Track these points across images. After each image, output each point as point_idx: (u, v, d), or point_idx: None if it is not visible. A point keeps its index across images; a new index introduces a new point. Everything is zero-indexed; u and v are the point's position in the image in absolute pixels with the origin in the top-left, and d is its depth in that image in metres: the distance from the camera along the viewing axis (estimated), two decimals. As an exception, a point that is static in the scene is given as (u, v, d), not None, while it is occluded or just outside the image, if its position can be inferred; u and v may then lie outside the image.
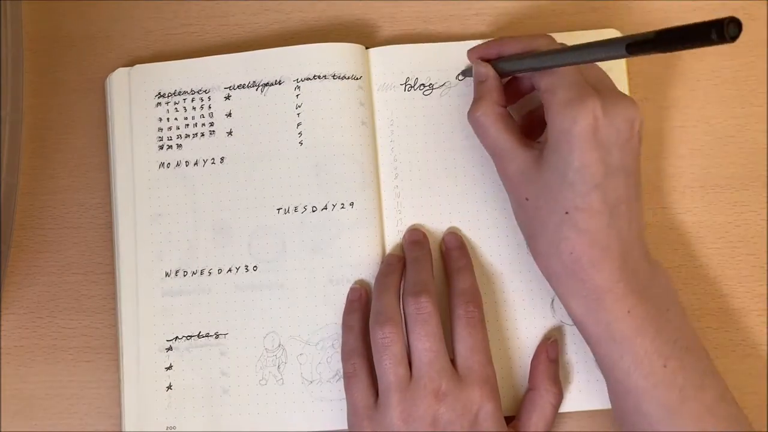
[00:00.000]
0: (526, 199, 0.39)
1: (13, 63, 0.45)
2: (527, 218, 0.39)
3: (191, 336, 0.44)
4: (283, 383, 0.43)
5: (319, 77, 0.45)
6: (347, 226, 0.44)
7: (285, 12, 0.48)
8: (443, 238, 0.44)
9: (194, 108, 0.46)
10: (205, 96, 0.46)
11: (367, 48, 0.46)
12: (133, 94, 0.46)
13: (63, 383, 0.45)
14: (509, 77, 0.42)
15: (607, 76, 0.39)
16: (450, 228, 0.44)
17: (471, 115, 0.41)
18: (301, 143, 0.45)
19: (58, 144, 0.47)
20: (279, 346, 0.44)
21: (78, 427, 0.45)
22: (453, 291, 0.42)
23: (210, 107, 0.46)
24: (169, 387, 0.44)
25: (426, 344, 0.39)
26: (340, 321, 0.43)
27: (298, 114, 0.45)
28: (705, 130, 0.46)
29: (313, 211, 0.44)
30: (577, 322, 0.38)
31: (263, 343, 0.44)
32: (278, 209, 0.45)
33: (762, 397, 0.44)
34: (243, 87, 0.45)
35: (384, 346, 0.39)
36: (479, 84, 0.41)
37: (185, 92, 0.46)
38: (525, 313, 0.44)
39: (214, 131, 0.46)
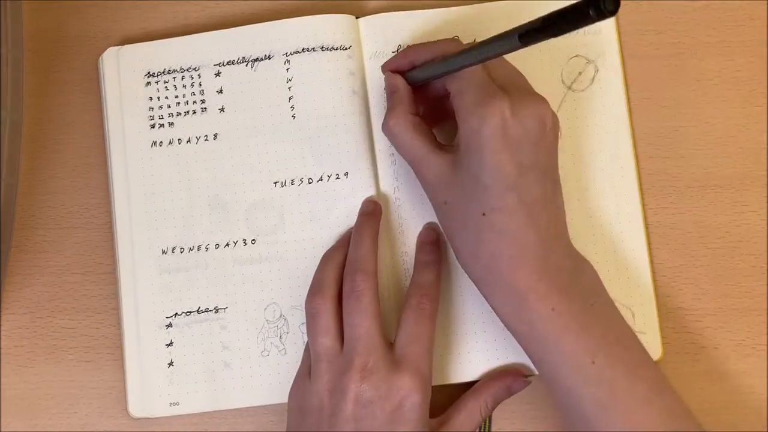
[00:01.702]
0: (445, 203, 0.39)
1: (13, 63, 0.45)
2: (447, 221, 0.39)
3: (191, 312, 0.44)
4: (285, 353, 0.44)
5: (307, 50, 0.45)
6: (343, 195, 0.44)
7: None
8: (420, 231, 0.44)
9: (184, 86, 0.46)
10: (195, 74, 0.46)
11: (357, 18, 0.46)
12: (123, 74, 0.46)
13: (63, 383, 0.45)
14: (422, 84, 0.42)
15: (521, 75, 0.40)
16: (429, 223, 0.44)
17: (384, 125, 0.41)
18: (293, 117, 0.45)
19: (58, 144, 0.47)
20: (280, 317, 0.44)
21: (78, 427, 0.45)
22: (413, 282, 0.42)
23: (201, 84, 0.46)
24: (171, 363, 0.44)
25: (356, 319, 0.39)
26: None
27: (289, 88, 0.45)
28: (705, 130, 0.46)
29: (310, 183, 0.45)
30: (504, 322, 0.38)
31: (264, 315, 0.44)
32: (275, 183, 0.45)
33: (762, 397, 0.44)
34: (233, 63, 0.46)
35: (311, 316, 0.40)
36: (391, 95, 0.42)
37: (174, 71, 0.46)
38: None
39: (206, 108, 0.46)
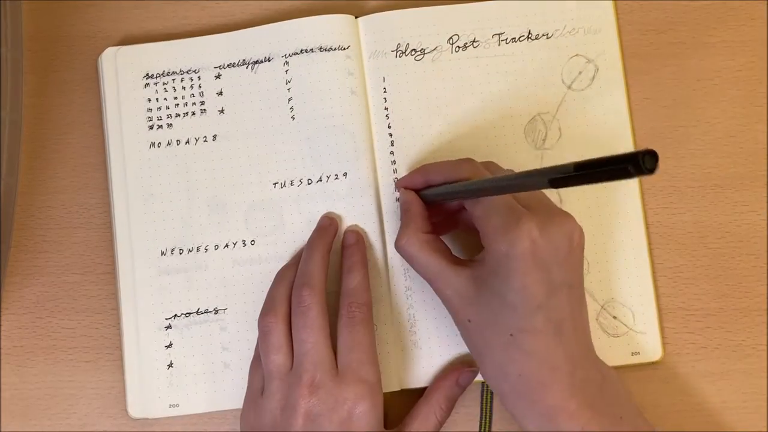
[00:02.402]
0: (469, 321, 0.38)
1: (13, 63, 0.45)
2: (472, 340, 0.39)
3: (190, 313, 0.44)
4: None
5: (306, 51, 0.45)
6: (342, 196, 0.44)
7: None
8: (343, 236, 0.44)
9: (184, 88, 0.46)
10: (194, 75, 0.46)
11: (356, 17, 0.46)
12: (121, 75, 0.46)
13: (63, 383, 0.45)
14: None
15: (542, 192, 0.39)
16: (351, 226, 0.44)
17: (396, 244, 0.41)
18: (293, 118, 0.45)
19: (58, 144, 0.47)
20: None
21: (78, 427, 0.45)
22: (342, 289, 0.42)
23: (200, 86, 0.46)
24: (170, 365, 0.44)
25: (303, 335, 0.39)
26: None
27: (289, 89, 0.45)
28: (705, 130, 0.46)
29: (309, 184, 0.45)
30: None
31: None
32: (274, 184, 0.45)
33: (762, 397, 0.44)
34: (233, 66, 0.46)
35: (263, 334, 0.40)
36: (404, 212, 0.42)
37: (174, 72, 0.46)
38: None
39: (205, 110, 0.46)
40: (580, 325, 0.38)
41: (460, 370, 0.42)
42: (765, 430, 0.43)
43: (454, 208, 0.42)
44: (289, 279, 0.42)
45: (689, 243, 0.45)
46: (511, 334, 0.36)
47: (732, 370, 0.44)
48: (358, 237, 0.44)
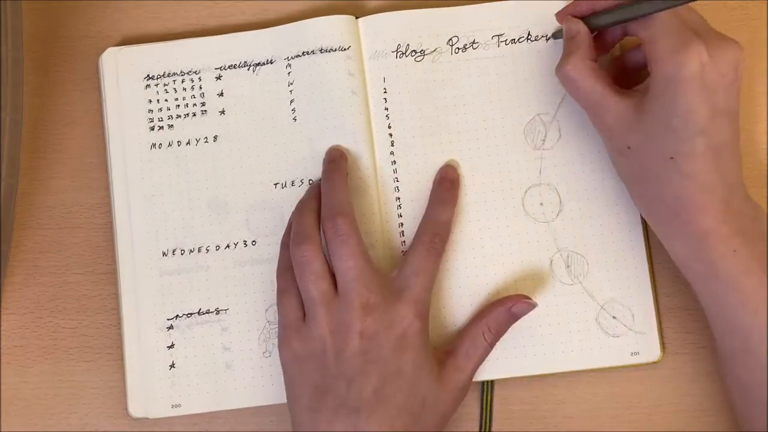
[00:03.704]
0: (628, 148, 0.39)
1: (13, 63, 0.45)
2: (629, 166, 0.40)
3: (192, 314, 0.45)
4: None
5: (307, 53, 0.45)
6: None
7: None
8: (441, 168, 0.44)
9: (185, 89, 0.46)
10: (195, 77, 0.46)
11: (357, 18, 0.46)
12: (121, 76, 0.46)
13: (63, 383, 0.45)
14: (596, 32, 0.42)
15: (704, 19, 0.40)
16: (451, 160, 0.45)
17: (561, 69, 0.41)
18: (294, 119, 0.45)
19: (58, 144, 0.47)
20: None
21: (78, 427, 0.45)
22: (426, 217, 0.43)
23: (201, 87, 0.46)
24: (172, 365, 0.44)
25: (349, 263, 0.39)
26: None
27: (291, 91, 0.46)
28: (705, 130, 0.46)
29: (310, 184, 0.45)
30: (679, 264, 0.39)
31: (265, 315, 0.44)
32: (275, 184, 0.45)
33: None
34: (234, 67, 0.46)
35: (303, 264, 0.40)
36: (569, 40, 0.42)
37: (174, 74, 0.46)
38: (524, 275, 0.44)
39: (206, 111, 0.46)
40: (737, 156, 0.38)
41: (515, 297, 0.42)
42: (765, 430, 0.43)
43: (613, 39, 0.43)
44: (314, 209, 0.42)
45: (689, 243, 0.45)
46: (672, 158, 0.37)
47: (732, 370, 0.44)
48: (456, 176, 0.44)
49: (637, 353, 0.43)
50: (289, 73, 0.46)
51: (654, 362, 0.43)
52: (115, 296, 0.45)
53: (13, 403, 0.45)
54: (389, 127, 0.45)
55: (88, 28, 0.48)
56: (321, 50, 0.45)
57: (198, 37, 0.47)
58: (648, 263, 0.44)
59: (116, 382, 0.45)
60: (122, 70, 0.46)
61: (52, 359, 0.45)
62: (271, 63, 0.46)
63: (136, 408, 0.44)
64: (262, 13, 0.48)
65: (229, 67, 0.46)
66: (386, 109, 0.45)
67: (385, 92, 0.45)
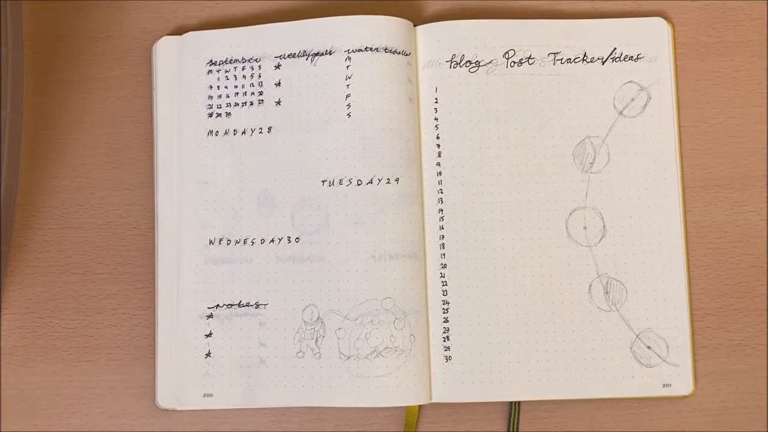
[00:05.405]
0: None
1: (13, 63, 0.45)
2: None
3: (232, 305, 0.44)
4: (320, 357, 0.43)
5: (371, 49, 0.45)
6: (392, 201, 0.44)
7: None
8: None
9: (244, 76, 0.46)
10: (255, 65, 0.46)
11: (415, 25, 0.46)
12: (184, 61, 0.46)
13: (63, 383, 0.45)
14: None
15: None
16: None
17: None
18: (349, 115, 0.45)
19: (58, 144, 0.47)
20: (318, 319, 0.44)
21: (78, 427, 0.45)
22: None
23: (260, 76, 0.46)
24: (208, 354, 0.44)
25: None
26: (380, 297, 0.43)
27: (348, 85, 0.45)
28: (705, 130, 0.46)
29: (358, 185, 0.44)
30: None
31: (302, 315, 0.44)
32: (323, 181, 0.45)
33: (762, 397, 0.44)
34: (293, 56, 0.46)
35: None
36: None
37: (236, 60, 0.46)
38: (562, 298, 0.44)
39: (263, 100, 0.46)
40: None
41: None
42: (765, 430, 0.43)
43: None
44: None
45: (689, 243, 0.45)
46: None
47: (732, 370, 0.44)
48: None
49: (669, 385, 0.43)
50: (348, 66, 0.45)
51: (685, 396, 0.43)
52: (116, 296, 0.45)
53: (13, 403, 0.45)
54: (437, 137, 0.45)
55: (89, 28, 0.48)
56: (386, 50, 0.45)
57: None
58: (687, 296, 0.44)
59: (116, 382, 0.45)
60: (186, 56, 0.46)
61: (52, 359, 0.45)
62: (330, 53, 0.45)
63: (166, 398, 0.44)
64: (297, 6, 0.48)
65: (288, 55, 0.46)
66: (436, 119, 0.45)
67: (436, 102, 0.45)
